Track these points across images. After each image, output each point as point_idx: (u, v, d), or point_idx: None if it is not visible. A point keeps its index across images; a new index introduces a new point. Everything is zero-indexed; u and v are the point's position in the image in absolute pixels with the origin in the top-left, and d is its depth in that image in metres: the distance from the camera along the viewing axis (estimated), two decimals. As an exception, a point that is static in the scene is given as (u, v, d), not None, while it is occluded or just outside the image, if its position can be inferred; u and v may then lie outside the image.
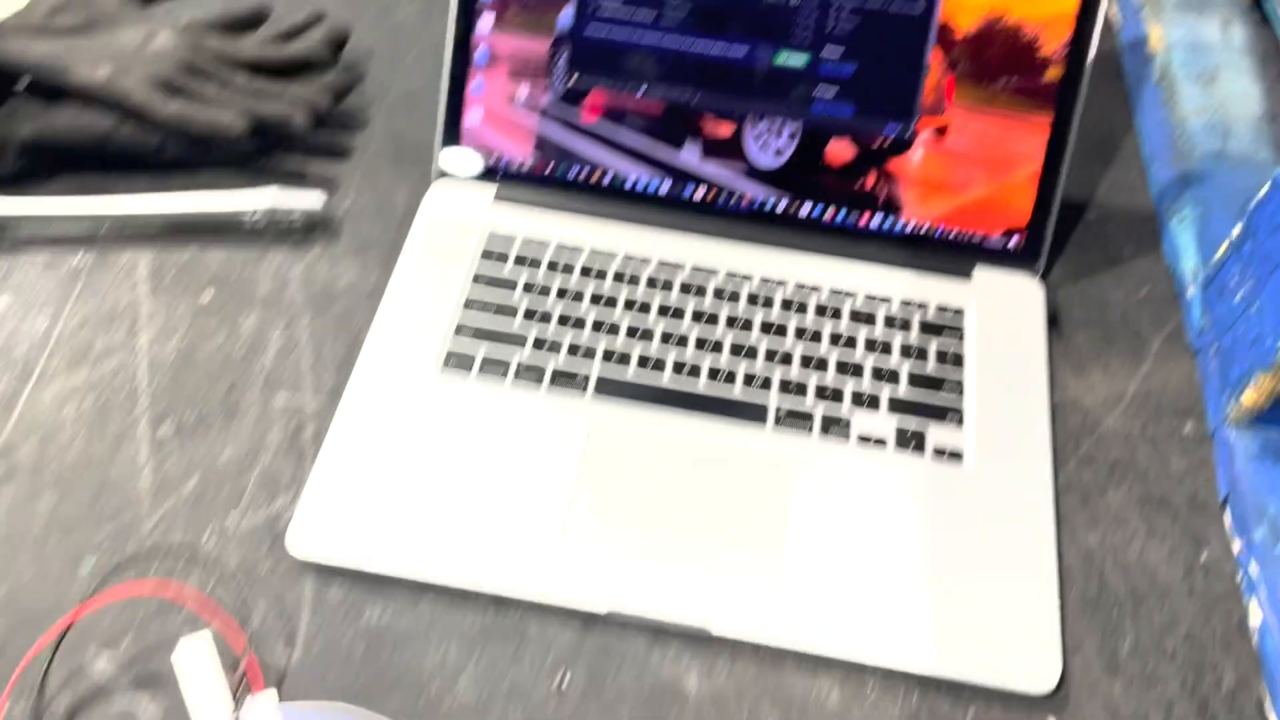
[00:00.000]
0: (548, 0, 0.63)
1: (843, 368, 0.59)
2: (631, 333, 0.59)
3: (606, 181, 0.65)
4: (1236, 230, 0.57)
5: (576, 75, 0.64)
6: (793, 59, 0.63)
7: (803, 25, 0.62)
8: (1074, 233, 0.67)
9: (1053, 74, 0.61)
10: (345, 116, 0.69)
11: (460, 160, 0.65)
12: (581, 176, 0.65)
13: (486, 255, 0.62)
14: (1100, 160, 0.70)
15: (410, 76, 0.72)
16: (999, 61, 0.62)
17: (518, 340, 0.59)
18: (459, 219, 0.64)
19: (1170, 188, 0.67)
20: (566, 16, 0.63)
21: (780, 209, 0.64)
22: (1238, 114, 0.69)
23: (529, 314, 0.60)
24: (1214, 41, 0.73)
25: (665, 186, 0.64)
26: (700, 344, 0.59)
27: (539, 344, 0.59)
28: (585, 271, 0.62)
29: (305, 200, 0.63)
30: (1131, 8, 0.77)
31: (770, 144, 0.64)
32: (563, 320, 0.60)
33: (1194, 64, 0.72)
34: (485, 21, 0.64)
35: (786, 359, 0.59)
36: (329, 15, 0.72)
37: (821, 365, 0.59)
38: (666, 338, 0.59)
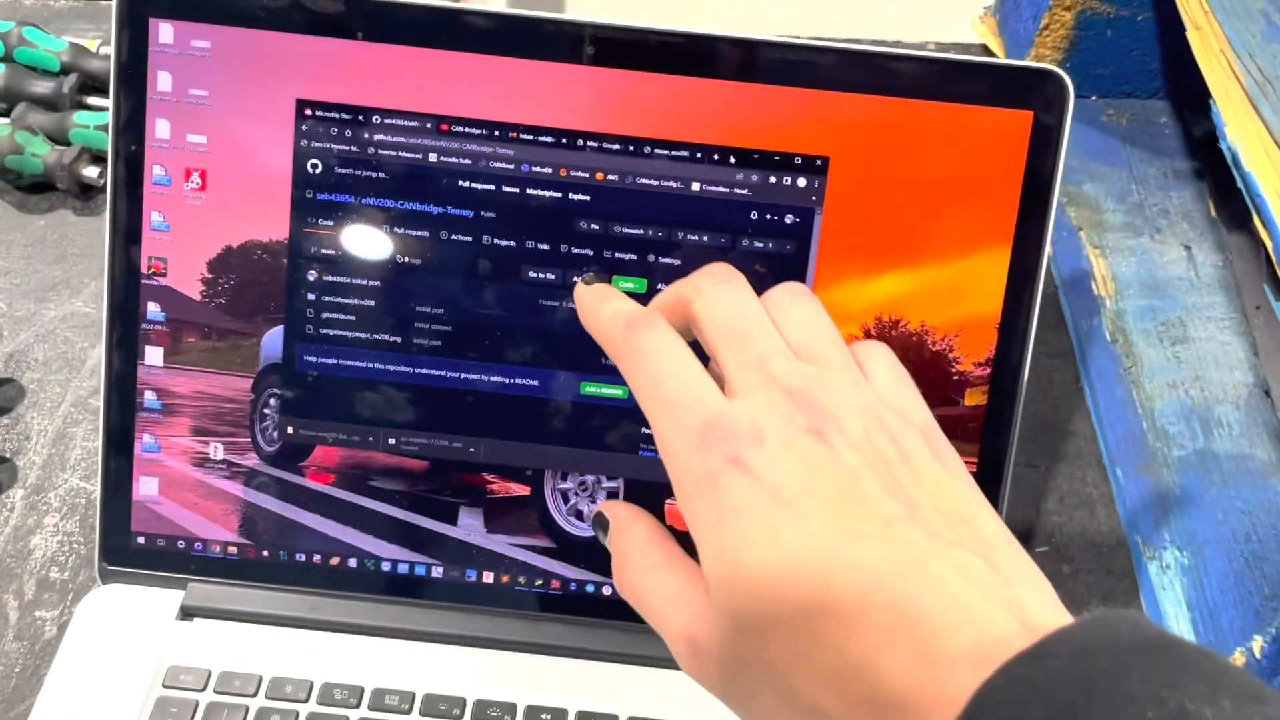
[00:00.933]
0: (241, 320, 0.43)
1: None
2: (375, 845, 0.39)
3: (350, 567, 0.45)
4: (1257, 646, 0.39)
5: (293, 425, 0.44)
6: (607, 389, 0.44)
7: (614, 346, 0.43)
8: (1018, 580, 0.48)
9: (973, 399, 0.43)
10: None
11: (131, 552, 0.44)
12: (312, 563, 0.45)
13: (160, 714, 0.41)
14: (1045, 453, 0.52)
15: (89, 389, 0.51)
16: (898, 385, 0.43)
17: None
18: (126, 650, 0.43)
19: (1143, 513, 0.49)
20: (272, 343, 0.44)
21: (604, 595, 0.45)
22: (1220, 389, 0.51)
23: (215, 829, 0.39)
24: (1176, 277, 0.56)
25: (436, 571, 0.45)
26: None
27: None
28: (311, 733, 0.41)
29: (-119, 645, 0.42)
30: (1066, 228, 0.59)
31: (583, 507, 0.44)
32: (268, 834, 0.39)
33: (1154, 314, 0.55)
34: (153, 353, 0.44)
35: None
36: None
37: None
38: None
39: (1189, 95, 0.64)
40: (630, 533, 0.29)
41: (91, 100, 0.61)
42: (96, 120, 0.58)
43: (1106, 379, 0.53)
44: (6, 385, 0.51)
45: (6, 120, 0.58)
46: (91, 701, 0.41)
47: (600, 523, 0.31)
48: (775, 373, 0.27)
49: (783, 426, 0.26)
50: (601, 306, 0.31)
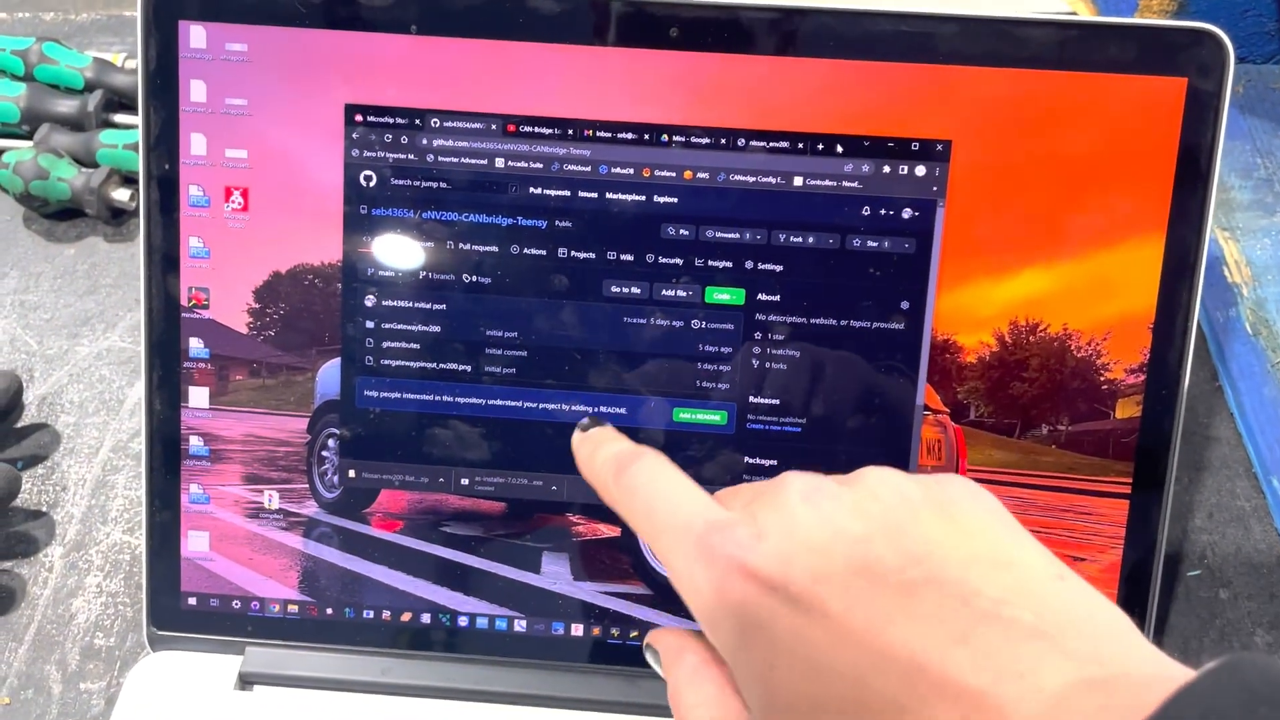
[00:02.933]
0: (293, 353, 0.39)
1: None
2: None
3: (424, 623, 0.40)
4: None
5: (355, 468, 0.40)
6: (703, 415, 0.39)
7: (712, 365, 0.38)
8: (1172, 608, 0.43)
9: (1126, 411, 0.38)
10: (14, 527, 0.44)
11: (182, 615, 0.40)
12: (382, 620, 0.40)
13: (221, 803, 0.37)
14: (1186, 463, 0.47)
15: (129, 432, 0.47)
16: (1037, 398, 0.38)
17: None
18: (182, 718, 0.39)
19: (1310, 527, 0.43)
20: (328, 377, 0.39)
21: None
22: (1383, 382, 0.46)
23: None
24: (1319, 258, 0.50)
25: (519, 625, 0.40)
26: None
27: None
28: (390, 814, 0.37)
29: (-87, 731, 0.38)
30: (1185, 207, 0.53)
31: (681, 547, 0.40)
32: None
33: (1299, 301, 0.49)
34: (197, 394, 0.39)
35: None
36: (5, 345, 0.48)
37: None
38: None
39: (1310, 57, 0.59)
40: (680, 666, 0.28)
41: (119, 118, 0.56)
42: (125, 139, 0.54)
43: (1251, 377, 0.48)
44: (40, 431, 0.47)
45: (30, 144, 0.54)
46: (145, 786, 0.37)
47: (651, 651, 0.30)
48: (763, 483, 0.27)
49: (778, 515, 0.25)
50: (595, 456, 0.30)
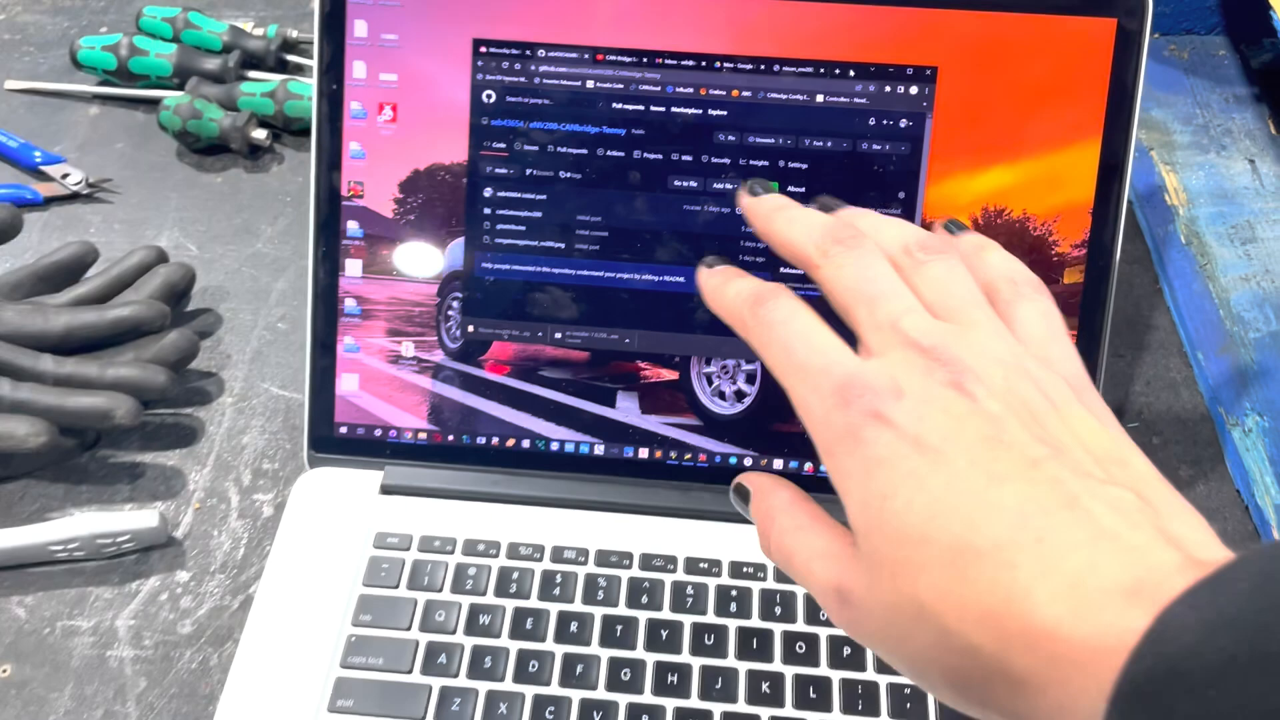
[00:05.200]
0: (428, 233, 0.50)
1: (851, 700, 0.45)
2: (568, 674, 0.45)
3: (524, 448, 0.51)
4: (1339, 473, 0.44)
5: (473, 324, 0.51)
6: (744, 282, 0.50)
7: (751, 243, 0.49)
8: (1113, 452, 0.54)
9: (1072, 277, 0.49)
10: (192, 383, 0.55)
11: (334, 441, 0.51)
12: (492, 444, 0.51)
13: (373, 575, 0.48)
14: (1130, 345, 0.58)
15: (276, 316, 0.59)
16: (1004, 267, 0.49)
17: (415, 706, 0.44)
18: (338, 521, 0.49)
19: (1224, 387, 0.54)
20: (454, 252, 0.50)
21: (745, 467, 0.51)
22: (1289, 280, 0.57)
23: (430, 659, 0.45)
24: (1243, 187, 0.61)
25: (599, 449, 0.51)
26: (662, 679, 0.45)
27: (445, 706, 0.44)
28: (503, 583, 0.48)
29: (136, 520, 0.49)
30: (1138, 148, 0.65)
31: (725, 388, 0.51)
32: (475, 664, 0.45)
33: (1225, 219, 0.60)
34: (352, 266, 0.50)
35: (775, 689, 0.45)
36: (172, 250, 0.59)
37: (824, 696, 0.45)
38: (615, 673, 0.45)
39: (1246, 29, 0.70)
40: (774, 497, 0.30)
41: (252, 74, 0.68)
42: (261, 88, 0.66)
43: (1184, 276, 0.58)
44: (206, 313, 0.58)
45: (183, 92, 0.66)
46: (314, 560, 0.48)
47: (740, 493, 0.31)
48: (909, 331, 0.27)
49: (921, 381, 0.26)
50: (725, 288, 0.31)
